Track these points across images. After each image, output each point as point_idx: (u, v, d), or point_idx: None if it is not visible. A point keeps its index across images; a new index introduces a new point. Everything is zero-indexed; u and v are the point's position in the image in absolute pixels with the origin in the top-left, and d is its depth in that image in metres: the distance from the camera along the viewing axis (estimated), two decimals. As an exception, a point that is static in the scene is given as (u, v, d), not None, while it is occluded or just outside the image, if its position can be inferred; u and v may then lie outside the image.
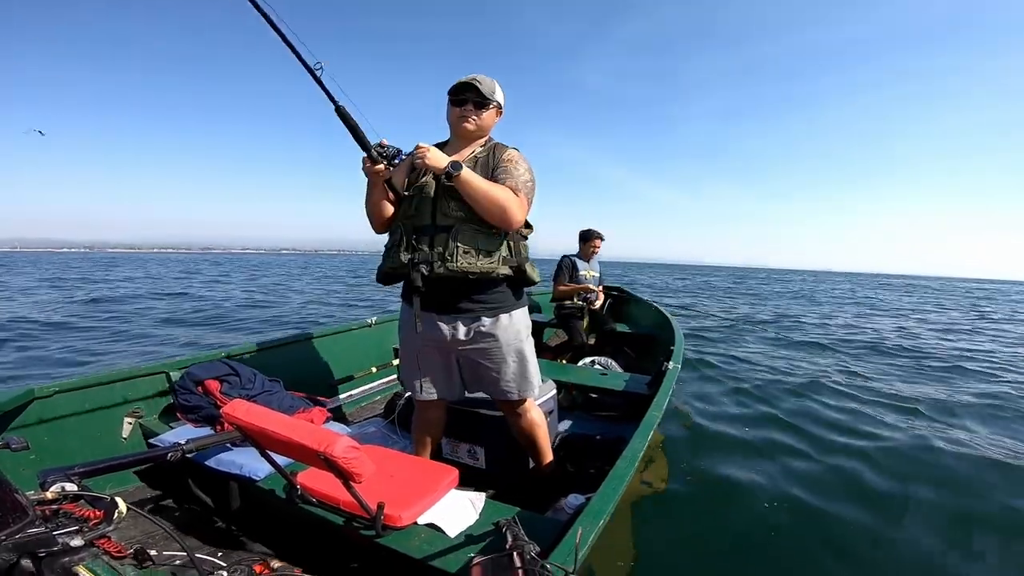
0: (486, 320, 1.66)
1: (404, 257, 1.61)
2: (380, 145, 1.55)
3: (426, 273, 1.58)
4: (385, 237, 1.75)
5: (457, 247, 1.56)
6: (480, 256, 1.59)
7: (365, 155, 1.54)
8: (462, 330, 1.66)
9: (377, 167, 1.55)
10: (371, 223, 1.75)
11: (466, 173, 1.51)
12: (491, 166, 1.65)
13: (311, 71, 1.44)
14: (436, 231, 1.59)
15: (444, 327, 1.66)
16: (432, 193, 1.61)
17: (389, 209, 1.70)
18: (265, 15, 1.36)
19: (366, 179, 1.63)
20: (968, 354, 6.95)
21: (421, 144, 1.54)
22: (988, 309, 16.93)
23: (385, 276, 1.73)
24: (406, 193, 1.66)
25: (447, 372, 1.78)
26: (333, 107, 1.48)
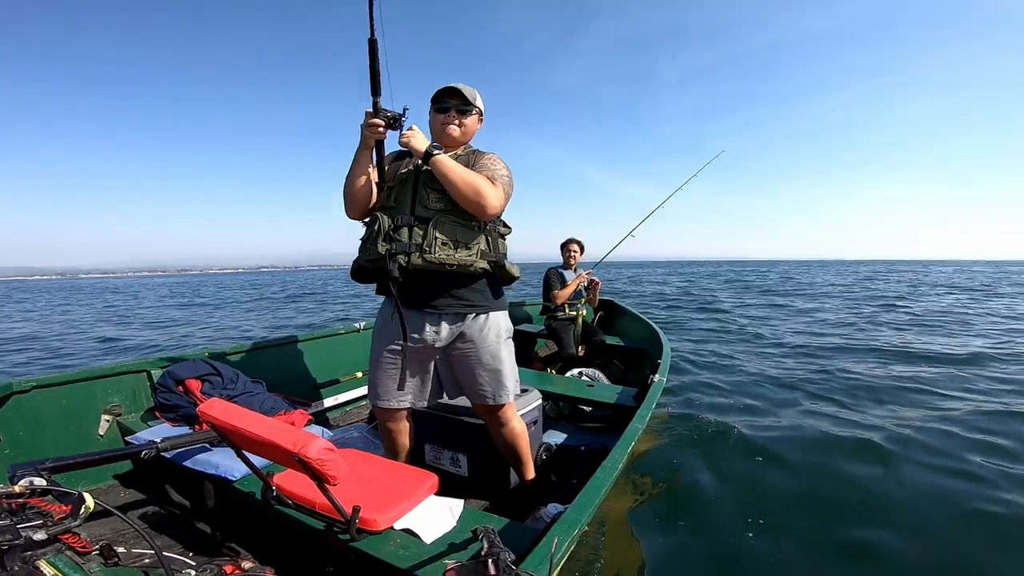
0: (467, 320, 1.67)
1: (382, 248, 1.58)
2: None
3: (404, 264, 1.56)
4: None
5: (436, 238, 1.57)
6: (458, 248, 1.59)
7: (370, 108, 1.51)
8: (445, 330, 1.65)
9: (376, 121, 1.52)
10: (347, 205, 1.69)
11: (443, 156, 1.55)
12: (469, 165, 1.67)
13: None
14: (415, 222, 1.59)
15: (427, 327, 1.64)
16: (412, 184, 1.63)
17: (369, 190, 1.65)
18: None
19: (357, 144, 1.59)
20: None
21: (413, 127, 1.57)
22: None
23: (361, 271, 1.70)
24: (388, 184, 1.66)
25: (422, 377, 1.75)
26: (368, 37, 1.44)
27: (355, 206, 1.68)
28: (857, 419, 3.77)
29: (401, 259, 1.56)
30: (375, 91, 1.50)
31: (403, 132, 1.56)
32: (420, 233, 1.58)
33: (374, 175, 1.66)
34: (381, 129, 1.53)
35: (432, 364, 1.75)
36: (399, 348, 1.67)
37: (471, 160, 1.70)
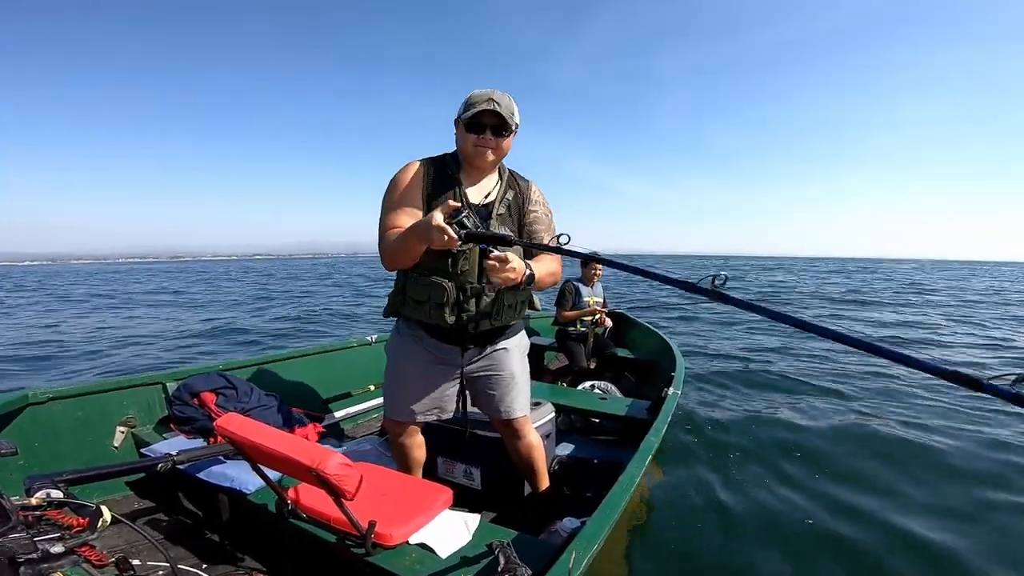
0: (500, 345, 1.67)
1: (451, 319, 1.50)
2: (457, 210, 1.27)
3: (473, 332, 1.56)
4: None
5: (503, 304, 1.57)
6: (518, 307, 1.64)
7: (454, 232, 1.23)
8: (473, 351, 1.64)
9: (455, 239, 1.24)
10: (390, 263, 1.51)
11: (538, 276, 1.45)
12: (520, 205, 1.60)
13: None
14: (483, 291, 1.52)
15: (462, 351, 1.63)
16: (478, 253, 1.48)
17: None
18: None
19: (409, 237, 1.36)
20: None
21: (500, 255, 1.28)
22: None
23: (421, 325, 1.60)
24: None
25: (448, 393, 1.70)
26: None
27: (404, 268, 1.54)
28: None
29: (471, 327, 1.54)
30: (484, 242, 1.30)
31: (499, 271, 1.29)
32: (489, 302, 1.54)
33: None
34: (451, 240, 1.24)
35: (460, 381, 1.69)
36: (424, 369, 1.64)
37: (519, 195, 1.61)
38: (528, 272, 1.40)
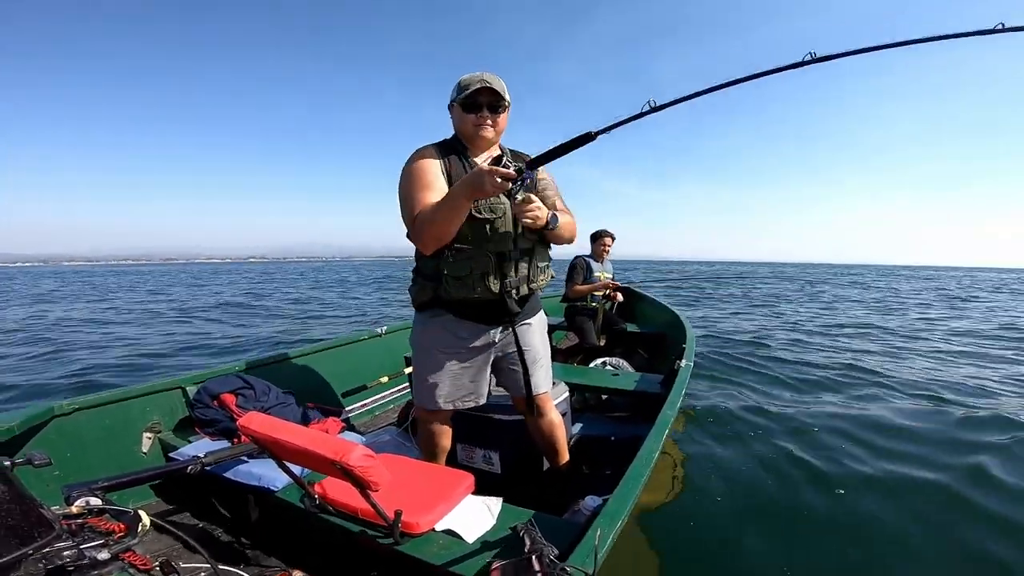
0: (524, 320, 1.71)
1: (494, 286, 1.54)
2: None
3: (516, 298, 1.60)
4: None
5: (537, 267, 1.65)
6: (547, 271, 1.72)
7: (512, 171, 1.28)
8: (500, 331, 1.68)
9: (510, 173, 1.28)
10: (429, 244, 1.49)
11: (560, 221, 1.56)
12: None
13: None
14: (520, 255, 1.59)
15: (491, 332, 1.66)
16: (510, 218, 1.53)
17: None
18: None
19: (457, 196, 1.37)
20: None
21: (526, 196, 1.40)
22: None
23: (455, 304, 1.60)
24: (479, 215, 1.50)
25: (483, 378, 1.74)
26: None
27: (441, 244, 1.50)
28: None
29: (514, 293, 1.59)
30: (540, 162, 1.35)
31: (516, 200, 1.39)
32: (525, 266, 1.61)
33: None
34: (509, 184, 1.30)
35: (490, 364, 1.74)
36: (463, 357, 1.67)
37: None
38: (552, 212, 1.52)
